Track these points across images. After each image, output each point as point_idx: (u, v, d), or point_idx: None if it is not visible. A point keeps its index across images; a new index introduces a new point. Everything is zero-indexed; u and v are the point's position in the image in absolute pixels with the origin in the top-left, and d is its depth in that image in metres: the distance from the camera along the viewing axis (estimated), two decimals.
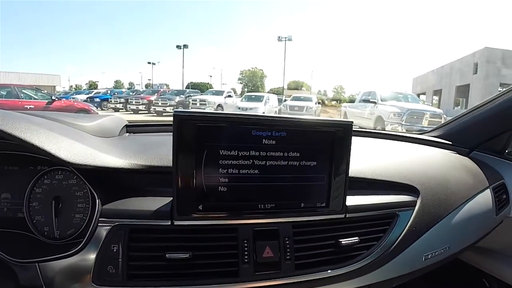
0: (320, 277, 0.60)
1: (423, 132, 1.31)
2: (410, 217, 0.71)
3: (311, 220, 0.61)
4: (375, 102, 7.69)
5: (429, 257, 0.74)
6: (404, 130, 5.92)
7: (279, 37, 29.90)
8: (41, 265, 0.53)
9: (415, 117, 6.66)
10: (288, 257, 0.58)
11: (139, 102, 13.07)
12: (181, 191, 0.54)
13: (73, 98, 14.04)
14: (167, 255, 0.53)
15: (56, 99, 8.53)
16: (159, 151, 0.64)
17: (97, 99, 15.07)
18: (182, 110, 0.56)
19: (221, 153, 0.54)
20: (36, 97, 7.92)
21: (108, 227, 0.54)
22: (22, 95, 7.66)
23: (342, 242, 0.61)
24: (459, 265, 1.32)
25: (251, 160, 0.55)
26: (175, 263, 0.54)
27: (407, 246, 0.69)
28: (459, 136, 1.13)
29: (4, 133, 0.48)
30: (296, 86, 54.01)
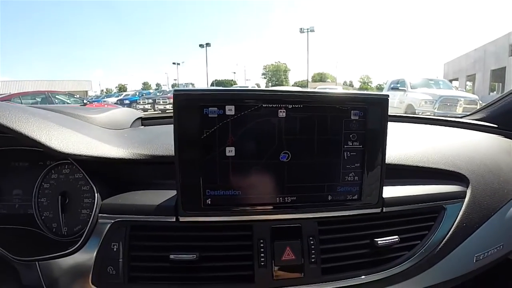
0: (352, 283, 0.52)
1: (462, 116, 1.19)
2: (459, 210, 0.61)
3: (341, 215, 0.52)
4: (404, 90, 7.37)
5: (481, 257, 0.64)
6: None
7: (301, 29, 29.57)
8: (41, 263, 0.51)
9: (448, 104, 6.30)
10: (313, 260, 0.50)
11: (166, 102, 13.79)
12: (186, 183, 0.47)
13: (104, 101, 14.80)
14: (171, 256, 0.47)
15: (88, 103, 8.99)
16: (166, 140, 0.58)
17: (127, 101, 15.74)
18: (184, 88, 0.48)
19: (231, 138, 0.46)
20: (69, 102, 8.41)
21: (108, 224, 0.50)
22: (56, 100, 8.17)
23: (379, 242, 0.52)
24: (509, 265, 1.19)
25: (267, 145, 0.47)
26: (180, 265, 0.48)
27: (456, 246, 0.60)
28: (506, 118, 1.01)
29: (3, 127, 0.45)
30: (320, 78, 53.51)
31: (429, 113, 6.25)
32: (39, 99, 8.04)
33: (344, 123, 0.48)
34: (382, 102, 0.50)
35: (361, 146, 0.49)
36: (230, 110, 0.45)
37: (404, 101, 7.31)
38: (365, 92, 0.52)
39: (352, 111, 0.48)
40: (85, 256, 0.49)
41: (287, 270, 0.49)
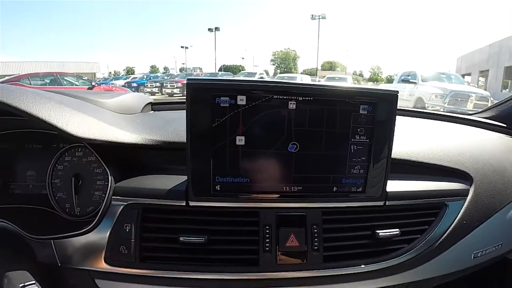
0: (352, 272, 0.53)
1: (472, 113, 1.17)
2: (461, 208, 0.61)
3: (345, 206, 0.53)
4: (415, 83, 7.23)
5: (479, 255, 0.65)
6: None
7: (312, 15, 28.97)
8: (56, 242, 0.53)
9: (459, 99, 6.17)
10: (315, 247, 0.51)
11: (174, 86, 13.70)
12: (197, 169, 0.49)
13: (112, 83, 14.76)
14: (181, 238, 0.49)
15: (96, 85, 9.00)
16: (178, 126, 0.59)
17: (134, 84, 15.71)
18: (197, 77, 0.49)
19: (241, 127, 0.48)
20: (78, 84, 8.42)
21: (121, 206, 0.52)
22: (64, 82, 8.19)
23: (380, 233, 0.53)
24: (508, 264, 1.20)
25: (276, 135, 0.48)
26: (189, 247, 0.50)
27: (455, 242, 0.61)
28: None
29: (10, 107, 0.46)
30: (330, 66, 52.62)
31: (438, 108, 6.15)
32: (47, 81, 8.06)
33: (353, 117, 0.49)
34: (391, 98, 0.50)
35: (368, 140, 0.50)
36: (241, 100, 0.46)
37: (414, 94, 7.19)
38: (375, 87, 0.52)
39: (361, 106, 0.49)
40: (99, 236, 0.52)
41: (291, 256, 0.51)
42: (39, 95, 0.52)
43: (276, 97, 0.47)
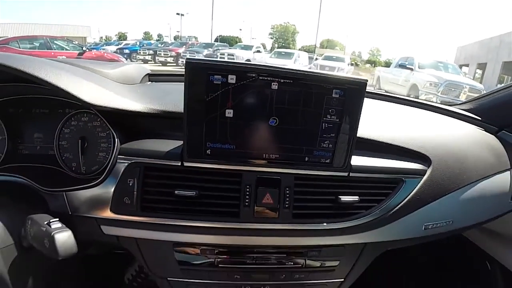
0: (316, 228, 0.63)
1: (453, 104, 1.22)
2: (416, 185, 0.69)
3: (314, 174, 0.62)
4: (411, 69, 7.22)
5: (430, 227, 0.73)
6: (438, 102, 5.57)
7: None
8: (67, 194, 0.60)
9: (452, 89, 6.22)
10: (286, 206, 0.61)
11: (168, 54, 13.18)
12: (191, 136, 0.57)
13: (103, 49, 14.21)
14: (176, 192, 0.58)
15: (87, 50, 8.71)
16: (175, 98, 0.66)
17: (127, 51, 15.09)
18: (195, 58, 0.57)
19: (230, 102, 0.55)
20: (68, 48, 8.12)
21: (126, 164, 0.60)
22: (54, 46, 7.89)
23: (342, 199, 0.63)
24: (464, 243, 1.31)
25: (259, 110, 0.56)
26: (183, 199, 0.59)
27: (408, 213, 0.69)
28: (490, 113, 1.04)
29: (32, 76, 0.53)
30: (329, 45, 51.34)
31: (432, 96, 6.21)
32: (37, 44, 7.77)
33: (326, 99, 0.57)
34: (360, 85, 0.58)
35: (338, 120, 0.58)
36: (232, 79, 0.54)
37: (410, 80, 7.19)
38: (347, 75, 0.58)
39: (334, 90, 0.57)
40: (105, 189, 0.60)
41: (265, 211, 0.60)
42: (54, 66, 0.59)
43: (261, 78, 0.54)
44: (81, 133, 0.68)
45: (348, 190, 0.64)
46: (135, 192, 0.59)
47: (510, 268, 1.12)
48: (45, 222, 0.51)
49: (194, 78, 0.54)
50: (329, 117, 0.58)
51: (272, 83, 0.55)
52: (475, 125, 1.01)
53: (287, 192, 0.61)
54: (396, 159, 0.70)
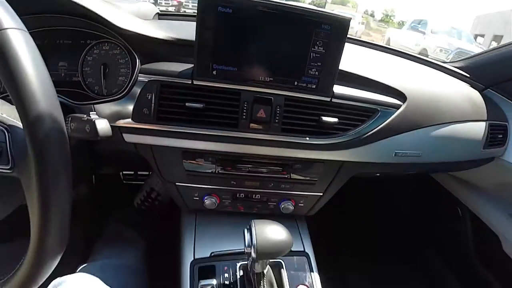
0: (300, 141, 0.75)
1: (446, 62, 1.26)
2: (390, 116, 0.78)
3: (302, 97, 0.73)
4: (424, 33, 6.99)
5: (400, 155, 0.82)
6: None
7: None
8: (95, 106, 0.71)
9: (462, 57, 6.06)
10: (276, 121, 0.73)
11: (169, 4, 12.64)
12: (200, 58, 0.67)
13: None
14: (186, 104, 0.70)
15: None
16: (187, 30, 0.75)
17: None
18: None
19: (234, 32, 0.65)
20: None
21: (145, 81, 0.70)
22: None
23: (323, 119, 0.74)
24: (439, 190, 1.45)
25: (258, 38, 0.66)
26: (192, 111, 0.71)
27: (381, 139, 0.78)
28: (478, 71, 1.08)
29: (76, 4, 0.62)
30: (341, 1, 48.39)
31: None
32: None
33: (315, 32, 0.66)
34: (345, 22, 0.67)
35: (324, 51, 0.68)
36: (237, 10, 0.63)
37: (420, 45, 7.00)
38: (334, 11, 0.67)
39: (322, 24, 0.66)
40: (128, 102, 0.70)
41: (259, 123, 0.72)
42: None
43: (261, 10, 0.64)
44: (103, 60, 0.76)
45: (330, 113, 0.75)
46: (153, 104, 0.70)
47: (479, 215, 1.27)
48: (85, 115, 0.62)
49: (205, 9, 0.63)
50: (317, 48, 0.68)
51: (272, 16, 0.64)
52: (462, 80, 1.07)
53: (278, 110, 0.72)
54: (375, 93, 0.79)
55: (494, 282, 1.32)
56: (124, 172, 1.47)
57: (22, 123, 0.42)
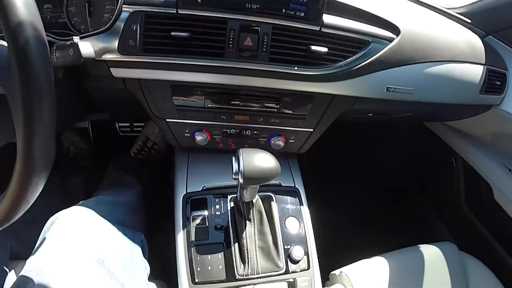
0: (288, 71, 0.73)
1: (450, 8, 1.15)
2: (382, 48, 0.75)
3: (290, 26, 0.71)
4: None
5: (391, 90, 0.79)
6: None
7: None
8: (80, 43, 0.67)
9: None
10: (264, 50, 0.71)
11: None
12: None
13: None
14: (172, 33, 0.68)
15: None
16: None
17: None
18: None
19: None
20: None
21: (130, 11, 0.68)
22: None
23: (312, 48, 0.72)
24: (433, 139, 1.45)
25: None
26: (178, 41, 0.69)
27: (371, 72, 0.76)
28: (481, 17, 1.03)
29: None
30: None
31: None
32: None
33: None
34: None
35: None
36: None
37: None
38: None
39: None
40: (113, 35, 0.69)
41: (246, 52, 0.71)
42: None
43: None
44: None
45: (319, 43, 0.73)
46: (138, 36, 0.69)
47: (473, 165, 1.27)
48: (69, 41, 0.62)
49: None
50: None
51: None
52: (463, 25, 1.02)
53: (265, 38, 0.71)
54: (367, 24, 0.76)
55: (483, 230, 1.36)
56: (120, 124, 1.49)
57: (4, 32, 0.42)
